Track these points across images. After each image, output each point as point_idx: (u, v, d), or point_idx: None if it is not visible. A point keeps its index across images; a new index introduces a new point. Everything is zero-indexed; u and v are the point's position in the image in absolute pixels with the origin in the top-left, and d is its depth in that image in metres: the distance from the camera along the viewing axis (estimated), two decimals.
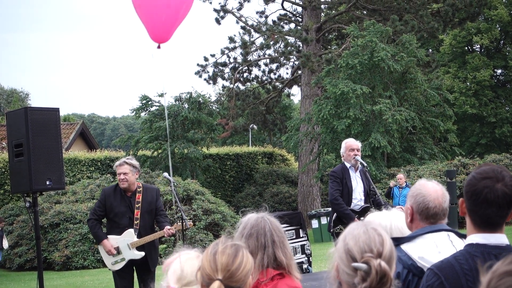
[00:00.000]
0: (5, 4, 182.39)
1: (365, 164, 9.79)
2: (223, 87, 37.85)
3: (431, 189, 3.89)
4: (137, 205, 8.73)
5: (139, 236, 8.72)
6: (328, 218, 23.26)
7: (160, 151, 28.47)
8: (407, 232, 4.03)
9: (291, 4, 34.63)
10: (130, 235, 8.69)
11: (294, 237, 14.61)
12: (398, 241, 3.76)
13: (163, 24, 6.43)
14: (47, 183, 8.86)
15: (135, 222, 8.72)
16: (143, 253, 8.70)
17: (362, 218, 9.07)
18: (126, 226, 8.72)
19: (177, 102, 29.98)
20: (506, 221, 3.12)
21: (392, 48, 26.84)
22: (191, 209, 21.96)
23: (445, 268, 3.10)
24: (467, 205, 3.11)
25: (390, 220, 4.18)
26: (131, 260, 8.72)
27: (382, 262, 2.59)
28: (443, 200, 3.87)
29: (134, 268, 8.87)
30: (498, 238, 3.09)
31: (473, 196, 3.05)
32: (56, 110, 9.19)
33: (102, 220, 9.08)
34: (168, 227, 8.75)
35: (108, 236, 8.75)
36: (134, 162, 8.83)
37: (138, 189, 8.78)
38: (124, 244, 8.68)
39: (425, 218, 3.86)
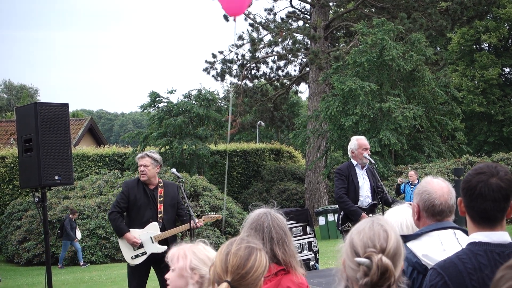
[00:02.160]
0: (15, 1, 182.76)
1: (373, 162, 9.74)
2: (231, 84, 37.81)
3: (437, 186, 3.89)
4: (160, 199, 8.67)
5: (163, 229, 8.65)
6: (335, 215, 23.36)
7: (167, 147, 28.51)
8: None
9: (300, 2, 34.54)
10: (154, 228, 8.61)
11: (301, 234, 14.61)
12: (404, 239, 3.77)
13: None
14: (56, 178, 8.86)
15: (159, 216, 8.66)
16: (165, 247, 8.52)
17: (370, 215, 9.06)
18: (150, 218, 8.64)
19: (186, 99, 30.01)
20: (506, 217, 3.13)
21: (402, 47, 26.82)
22: (198, 205, 22.03)
23: (449, 267, 3.09)
24: (464, 202, 3.12)
25: (405, 216, 4.22)
26: (152, 254, 8.63)
27: (384, 258, 2.61)
28: (449, 197, 3.87)
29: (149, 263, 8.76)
30: (500, 236, 3.09)
31: (468, 192, 3.06)
32: (66, 105, 9.21)
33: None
34: (196, 220, 8.75)
35: (130, 229, 8.64)
36: (156, 155, 8.81)
37: (160, 184, 8.73)
38: (147, 237, 8.58)
39: (432, 216, 3.86)
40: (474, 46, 44.10)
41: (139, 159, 8.73)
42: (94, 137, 40.06)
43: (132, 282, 8.70)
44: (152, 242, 8.59)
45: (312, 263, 14.58)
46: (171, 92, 30.22)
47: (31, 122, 8.79)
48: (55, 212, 21.74)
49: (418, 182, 19.61)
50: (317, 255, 14.87)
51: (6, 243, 22.93)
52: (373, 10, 32.78)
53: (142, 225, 8.65)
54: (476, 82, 41.68)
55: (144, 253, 8.62)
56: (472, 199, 3.06)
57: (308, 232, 14.83)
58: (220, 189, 26.01)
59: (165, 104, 29.90)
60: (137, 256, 8.61)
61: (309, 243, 14.76)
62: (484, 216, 3.08)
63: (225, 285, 2.83)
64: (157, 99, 29.92)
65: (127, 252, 8.67)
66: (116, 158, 30.19)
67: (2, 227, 23.91)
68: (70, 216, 20.69)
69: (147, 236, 8.60)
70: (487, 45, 44.28)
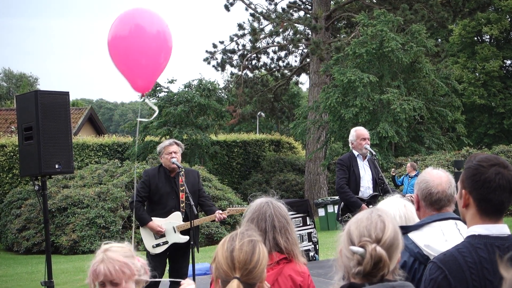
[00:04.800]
0: None
1: (374, 153, 9.76)
2: (232, 74, 37.78)
3: (435, 176, 3.93)
4: (181, 188, 8.56)
5: (185, 219, 8.57)
6: (335, 206, 23.37)
7: (167, 137, 28.46)
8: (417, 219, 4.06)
9: None
10: (177, 217, 8.52)
11: (301, 224, 14.63)
12: (405, 229, 3.77)
13: (145, 76, 6.51)
14: (56, 166, 8.83)
15: (181, 205, 8.57)
16: (187, 237, 8.51)
17: (371, 206, 9.10)
18: (172, 208, 8.55)
19: (186, 88, 29.96)
20: None
21: (402, 38, 26.77)
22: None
23: (449, 261, 3.08)
24: (477, 195, 3.07)
25: (404, 206, 4.22)
26: (173, 244, 8.55)
27: (378, 247, 2.62)
28: (447, 186, 3.90)
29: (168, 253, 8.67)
30: (500, 229, 3.08)
31: (486, 184, 3.03)
32: (66, 93, 9.19)
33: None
34: (220, 211, 8.75)
35: (153, 218, 8.53)
36: (180, 143, 8.80)
37: (181, 172, 8.57)
38: (170, 227, 8.49)
39: (430, 205, 3.90)
40: (476, 38, 44.05)
41: (167, 147, 8.60)
42: (94, 126, 40.06)
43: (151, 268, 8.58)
44: (175, 232, 8.50)
45: (311, 254, 14.60)
46: (171, 82, 30.19)
47: (32, 110, 8.76)
48: (55, 201, 21.73)
49: (416, 174, 19.63)
50: (317, 246, 14.89)
51: (5, 231, 22.92)
52: (374, 1, 32.72)
53: (164, 215, 8.54)
54: (477, 74, 41.67)
55: (166, 242, 8.50)
56: (491, 191, 3.03)
57: (308, 223, 14.85)
58: (220, 180, 26.01)
59: (166, 93, 29.86)
60: (158, 245, 8.52)
61: (309, 234, 14.78)
62: (499, 208, 3.07)
63: (236, 282, 2.83)
64: (158, 88, 29.88)
65: (148, 241, 8.56)
66: (116, 147, 30.18)
67: (1, 216, 23.89)
68: None
69: (170, 226, 8.51)
70: (488, 37, 44.24)
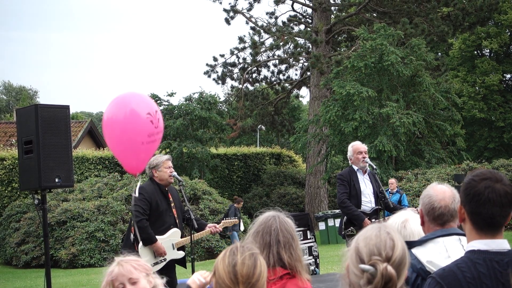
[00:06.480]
0: (14, 2, 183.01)
1: (375, 167, 9.79)
2: (232, 87, 37.84)
3: (439, 190, 3.93)
4: (171, 204, 8.47)
5: (182, 235, 8.50)
6: (336, 220, 23.35)
7: (168, 150, 28.44)
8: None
9: (301, 6, 34.62)
10: (176, 234, 8.41)
11: (302, 238, 14.59)
12: (409, 245, 3.75)
13: (137, 161, 6.58)
14: (56, 180, 8.80)
15: (177, 221, 8.48)
16: (183, 253, 8.47)
17: (373, 220, 9.11)
18: (171, 224, 8.40)
19: (187, 101, 29.97)
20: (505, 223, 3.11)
21: (402, 51, 26.77)
22: (198, 209, 21.99)
23: (448, 276, 3.05)
24: (469, 209, 3.07)
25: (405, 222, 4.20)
26: (170, 260, 8.44)
27: (389, 267, 2.59)
28: (450, 201, 3.89)
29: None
30: (499, 244, 3.06)
31: (475, 197, 3.02)
32: (66, 107, 9.17)
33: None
34: (216, 225, 8.72)
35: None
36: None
37: (166, 188, 8.50)
38: (169, 244, 8.35)
39: (433, 220, 3.89)
40: (475, 52, 44.10)
41: (166, 161, 8.46)
42: (94, 139, 39.98)
43: None
44: (173, 248, 8.40)
45: (312, 268, 14.56)
46: (171, 94, 30.21)
47: (32, 124, 8.75)
48: (54, 214, 21.67)
49: (397, 191, 19.31)
50: (317, 260, 14.86)
51: (4, 245, 22.86)
52: (374, 14, 32.80)
53: (162, 232, 8.34)
54: (477, 88, 41.69)
55: (164, 259, 8.42)
56: (480, 204, 3.02)
57: (309, 237, 14.82)
58: (220, 193, 25.97)
59: (166, 106, 29.86)
60: (156, 263, 8.30)
61: (310, 248, 14.75)
62: (490, 222, 3.04)
63: None
64: (158, 101, 29.88)
65: (148, 260, 8.13)
66: (116, 160, 30.11)
67: (0, 229, 23.85)
68: (235, 205, 20.65)
69: (169, 243, 8.37)
70: (488, 51, 44.28)
